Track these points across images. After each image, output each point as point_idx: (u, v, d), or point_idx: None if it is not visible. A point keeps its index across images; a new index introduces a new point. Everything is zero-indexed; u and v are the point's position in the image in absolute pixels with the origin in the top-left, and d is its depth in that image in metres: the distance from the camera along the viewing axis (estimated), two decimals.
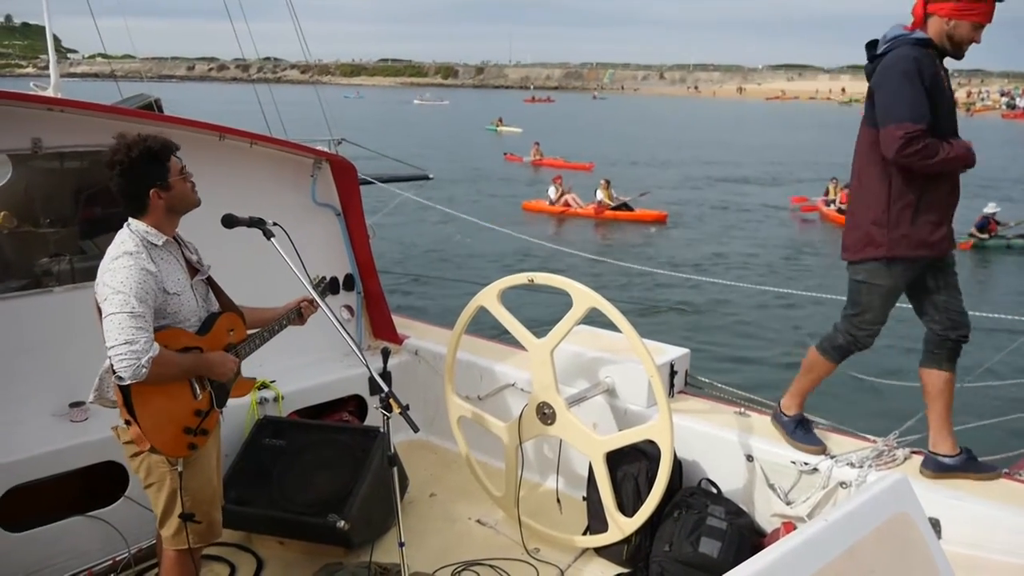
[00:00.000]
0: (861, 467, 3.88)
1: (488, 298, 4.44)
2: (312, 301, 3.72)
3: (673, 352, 4.83)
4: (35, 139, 4.18)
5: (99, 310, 3.10)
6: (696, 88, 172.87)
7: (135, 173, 3.14)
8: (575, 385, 4.74)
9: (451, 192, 26.15)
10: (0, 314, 4.26)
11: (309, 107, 12.54)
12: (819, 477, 3.96)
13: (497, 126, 57.33)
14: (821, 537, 2.03)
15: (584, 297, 4.04)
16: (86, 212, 4.84)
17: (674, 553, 3.96)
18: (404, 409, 3.06)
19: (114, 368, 2.98)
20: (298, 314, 3.76)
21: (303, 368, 5.13)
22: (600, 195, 23.31)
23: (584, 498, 4.49)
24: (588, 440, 4.22)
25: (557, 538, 4.44)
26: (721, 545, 3.90)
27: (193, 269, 3.38)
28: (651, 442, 4.11)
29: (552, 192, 24.22)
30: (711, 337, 12.75)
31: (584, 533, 4.46)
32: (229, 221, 3.39)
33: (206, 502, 3.38)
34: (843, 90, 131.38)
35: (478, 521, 4.76)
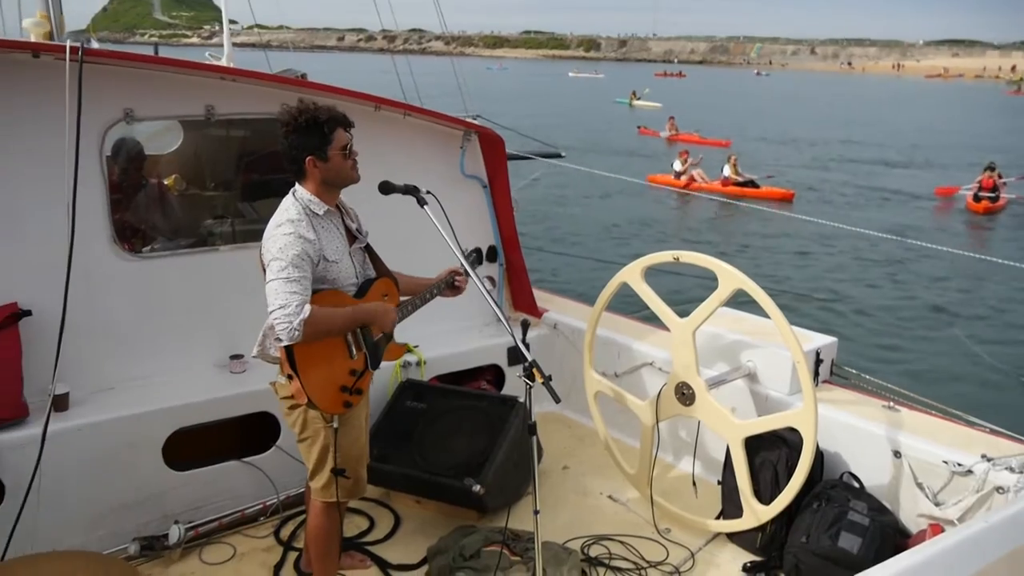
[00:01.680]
0: (1022, 473, 3.67)
1: (631, 275, 4.42)
2: (464, 273, 3.80)
3: (820, 340, 4.69)
4: (208, 106, 4.42)
5: (264, 272, 3.27)
6: (849, 64, 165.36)
7: (296, 138, 3.28)
8: (715, 367, 4.68)
9: (586, 164, 25.97)
10: (172, 269, 4.56)
11: (451, 78, 12.68)
12: (973, 480, 3.77)
13: (631, 100, 56.47)
14: (981, 538, 1.96)
15: (731, 278, 3.98)
16: (246, 177, 5.10)
17: (811, 545, 3.87)
18: (547, 379, 3.09)
19: (275, 330, 3.14)
20: (450, 285, 3.85)
21: (445, 335, 5.26)
22: (727, 171, 22.70)
23: (719, 482, 4.44)
24: (727, 424, 4.17)
25: (689, 520, 4.42)
26: (862, 541, 3.78)
27: (352, 236, 3.51)
28: (793, 430, 4.02)
29: (677, 166, 23.76)
30: (857, 327, 12.26)
31: (717, 517, 4.41)
32: (386, 188, 3.49)
33: (354, 459, 3.53)
34: (1013, 68, 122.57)
35: (609, 497, 4.79)
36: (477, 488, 4.22)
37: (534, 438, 3.34)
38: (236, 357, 4.68)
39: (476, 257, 4.04)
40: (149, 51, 4.62)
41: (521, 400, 4.64)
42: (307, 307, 3.13)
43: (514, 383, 5.51)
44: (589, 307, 5.94)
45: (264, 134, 4.89)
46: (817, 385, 4.59)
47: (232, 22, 6.95)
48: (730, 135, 35.16)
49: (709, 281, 4.13)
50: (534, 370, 3.13)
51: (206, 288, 4.63)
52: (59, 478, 3.93)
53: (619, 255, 16.03)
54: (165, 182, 5.01)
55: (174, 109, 4.43)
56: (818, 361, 4.58)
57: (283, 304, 3.09)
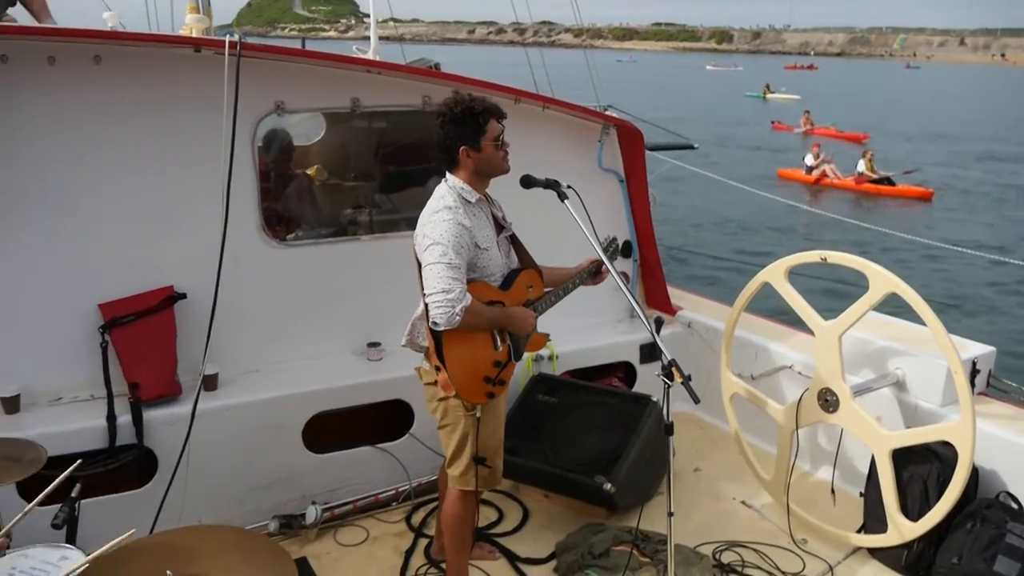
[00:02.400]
0: None
1: (774, 274, 4.28)
2: (612, 258, 3.79)
3: (977, 349, 4.41)
4: (354, 99, 4.52)
5: (417, 260, 3.31)
6: (1003, 56, 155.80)
7: (451, 128, 3.33)
8: (860, 374, 4.48)
9: (715, 161, 25.39)
10: (315, 257, 4.69)
11: (580, 70, 12.56)
12: None
13: (764, 93, 54.78)
14: None
15: (884, 281, 3.78)
16: (385, 168, 5.20)
17: (963, 567, 3.65)
18: (687, 379, 3.01)
19: (429, 314, 3.18)
20: (591, 273, 3.83)
21: (578, 330, 5.22)
22: (861, 167, 21.73)
23: (861, 494, 4.24)
24: (874, 434, 3.97)
25: (828, 532, 4.24)
26: (1021, 567, 3.54)
27: (499, 226, 3.53)
28: (946, 444, 3.80)
29: (809, 159, 22.91)
30: (1012, 337, 11.51)
31: (858, 531, 4.22)
32: (527, 181, 3.49)
33: (492, 449, 3.55)
34: None
35: (743, 502, 4.65)
36: (608, 486, 4.17)
37: (671, 439, 3.25)
38: (373, 345, 4.78)
39: (615, 249, 4.00)
40: (292, 45, 4.76)
41: (655, 399, 4.57)
42: (468, 296, 3.17)
43: (646, 381, 5.42)
44: (723, 305, 5.83)
45: (404, 126, 4.99)
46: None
47: (366, 15, 7.12)
48: (869, 130, 33.73)
49: (833, 283, 3.95)
50: (673, 369, 3.05)
51: (346, 277, 4.74)
52: (206, 455, 4.10)
53: (746, 252, 15.63)
54: (307, 172, 5.16)
55: (322, 101, 4.55)
56: (974, 371, 4.32)
57: (447, 289, 3.13)
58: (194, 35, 4.29)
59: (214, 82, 3.85)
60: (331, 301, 4.73)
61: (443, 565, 4.03)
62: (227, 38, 3.73)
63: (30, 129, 3.93)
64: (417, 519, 4.52)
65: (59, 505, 3.30)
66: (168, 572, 2.33)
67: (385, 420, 4.74)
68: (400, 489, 4.62)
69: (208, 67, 3.99)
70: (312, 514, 4.33)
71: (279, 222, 4.71)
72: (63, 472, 3.87)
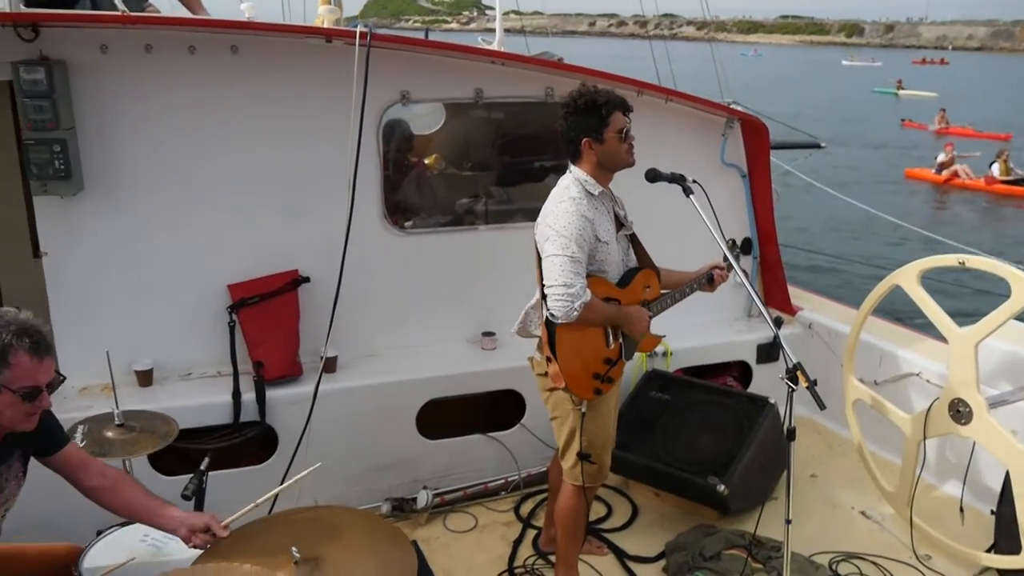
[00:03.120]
0: None
1: (906, 277, 4.09)
2: (723, 268, 3.70)
3: None
4: (478, 89, 4.55)
5: (537, 250, 3.31)
6: None
7: (575, 120, 3.32)
8: (995, 385, 4.24)
9: (839, 159, 24.49)
10: (433, 246, 4.76)
11: (703, 64, 12.31)
12: None
13: (897, 89, 52.37)
14: None
15: None
16: (502, 160, 5.22)
17: None
18: (812, 384, 2.91)
19: (547, 305, 3.18)
20: (709, 280, 3.74)
21: (693, 328, 5.12)
22: (996, 169, 20.51)
23: (993, 512, 4.02)
24: (1010, 449, 3.75)
25: (955, 549, 4.04)
26: None
27: (619, 223, 3.49)
28: None
29: (941, 157, 21.80)
30: None
31: (988, 550, 4.00)
32: (652, 175, 3.43)
33: (600, 446, 3.52)
34: None
35: (862, 513, 4.48)
36: (722, 488, 4.09)
37: (792, 444, 3.15)
38: (488, 334, 4.82)
39: (740, 248, 3.91)
40: (416, 36, 4.83)
41: (772, 401, 4.45)
42: (588, 291, 3.15)
43: (761, 382, 5.29)
44: (846, 307, 5.63)
45: (523, 117, 4.99)
46: None
47: (488, 8, 7.17)
48: (1010, 129, 31.92)
49: (956, 287, 3.73)
50: (798, 373, 2.95)
51: (463, 266, 4.79)
52: (325, 435, 4.22)
53: (868, 254, 15.04)
54: (426, 162, 5.23)
55: (445, 91, 4.60)
56: None
57: (567, 282, 3.12)
58: (326, 26, 4.40)
59: (342, 72, 3.94)
60: (448, 289, 4.79)
61: (551, 557, 4.03)
62: (358, 28, 3.80)
63: (170, 115, 4.12)
64: (525, 509, 4.53)
65: (189, 476, 3.45)
66: (293, 549, 2.39)
67: (497, 409, 4.77)
68: (509, 479, 4.64)
69: (338, 57, 4.08)
70: (423, 498, 4.40)
71: (397, 210, 4.80)
72: (192, 444, 4.08)
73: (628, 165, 3.39)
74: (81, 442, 3.16)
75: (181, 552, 2.89)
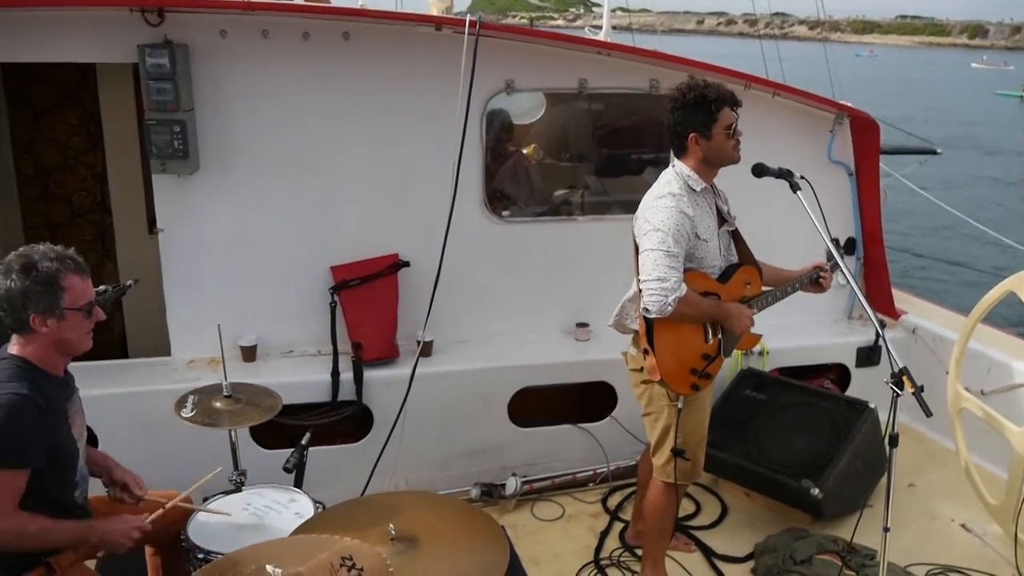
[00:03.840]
0: None
1: (1022, 284, 3.92)
2: (827, 269, 3.62)
3: None
4: (582, 80, 4.55)
5: (635, 243, 3.30)
6: None
7: (682, 114, 3.27)
8: None
9: (952, 164, 23.50)
10: (531, 235, 4.79)
11: (814, 64, 11.95)
12: None
13: (1022, 92, 49.80)
14: None
15: None
16: (600, 152, 5.20)
17: None
18: (919, 390, 2.82)
19: (642, 301, 3.17)
20: (813, 280, 3.66)
21: (792, 327, 5.02)
22: None
23: None
24: None
25: None
26: None
27: (721, 219, 3.44)
28: None
29: None
30: None
31: None
32: (759, 170, 3.37)
33: (694, 443, 3.49)
34: None
35: (962, 525, 4.34)
36: (816, 492, 4.01)
37: (894, 451, 3.06)
38: (582, 325, 4.82)
39: (842, 250, 3.81)
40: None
41: (872, 406, 4.34)
42: (684, 286, 3.13)
43: (860, 386, 5.15)
44: (951, 312, 5.44)
45: (624, 109, 4.96)
46: None
47: (596, 4, 7.15)
48: None
49: None
50: (904, 377, 2.86)
51: (560, 256, 4.81)
52: (418, 418, 4.29)
53: (977, 258, 14.46)
54: (524, 151, 5.25)
55: (550, 82, 4.61)
56: None
57: (662, 277, 3.10)
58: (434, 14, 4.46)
59: (450, 60, 4.00)
60: (544, 279, 4.81)
61: (637, 551, 4.02)
62: (467, 17, 3.84)
63: (282, 99, 4.25)
64: (613, 502, 4.53)
65: (288, 450, 3.56)
66: (390, 526, 2.46)
67: (586, 400, 4.78)
68: (598, 471, 4.64)
69: (446, 45, 4.14)
70: (512, 485, 4.44)
71: (495, 199, 4.83)
72: (290, 420, 4.20)
73: (734, 161, 3.33)
74: (191, 411, 3.30)
75: (281, 523, 3.00)
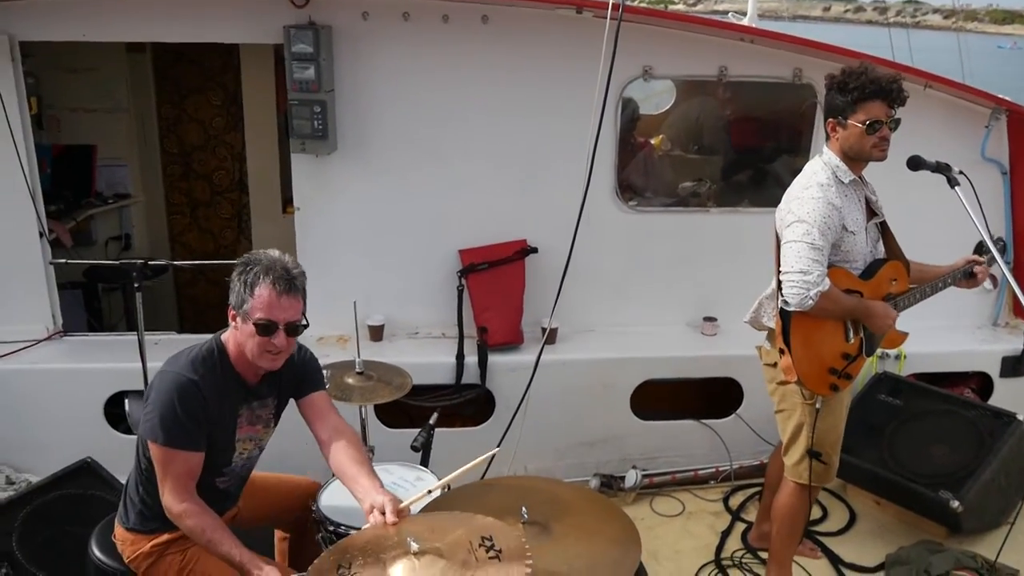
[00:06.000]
0: None
1: None
2: (984, 263, 3.41)
3: None
4: (722, 67, 4.42)
5: (777, 236, 3.19)
6: None
7: (828, 97, 3.17)
8: None
9: None
10: (661, 226, 4.71)
11: (949, 55, 11.33)
12: None
13: None
14: None
15: None
16: (732, 143, 5.03)
17: None
18: None
19: (782, 293, 3.06)
20: (968, 275, 3.46)
21: (932, 331, 4.76)
22: None
23: None
24: None
25: None
26: None
27: (871, 212, 3.29)
28: None
29: None
30: None
31: None
32: (915, 163, 3.20)
33: (830, 444, 3.36)
34: None
35: None
36: (956, 504, 3.81)
37: None
38: (709, 319, 4.72)
39: (1001, 247, 3.58)
40: None
41: (1021, 417, 4.09)
42: (827, 280, 3.01)
43: (1002, 397, 4.86)
44: None
45: (759, 99, 4.79)
46: None
47: None
48: None
49: None
50: None
51: (689, 248, 4.71)
52: (540, 405, 4.27)
53: None
54: (652, 142, 5.15)
55: (689, 68, 4.50)
56: None
57: (805, 270, 2.99)
58: None
59: (587, 44, 3.93)
60: (672, 271, 4.73)
61: (760, 553, 3.92)
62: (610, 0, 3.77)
63: (421, 81, 4.29)
64: (735, 502, 4.42)
65: (412, 430, 3.60)
66: (523, 508, 2.44)
67: (712, 396, 4.67)
68: (720, 468, 4.54)
69: (584, 29, 4.08)
70: (632, 478, 4.38)
71: (624, 188, 4.76)
72: (413, 400, 4.25)
73: (872, 159, 3.16)
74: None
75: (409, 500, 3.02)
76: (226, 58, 5.73)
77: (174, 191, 6.26)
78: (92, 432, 4.22)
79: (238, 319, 2.57)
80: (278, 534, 3.25)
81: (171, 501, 2.55)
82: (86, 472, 3.69)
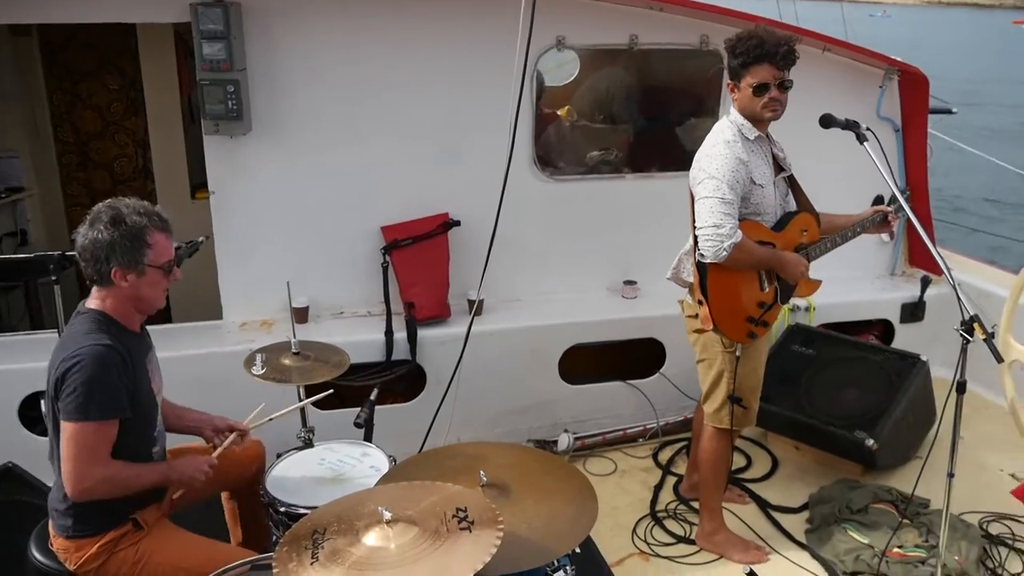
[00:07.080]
0: None
1: None
2: (893, 211, 3.62)
3: None
4: (632, 35, 4.52)
5: (691, 193, 3.31)
6: None
7: (727, 60, 3.33)
8: None
9: (970, 120, 23.22)
10: (579, 193, 4.79)
11: (828, 26, 11.75)
12: None
13: None
14: None
15: None
16: (640, 111, 5.13)
17: None
18: (989, 336, 2.84)
19: (698, 247, 3.19)
20: (880, 221, 3.65)
21: (836, 283, 4.99)
22: None
23: None
24: None
25: None
26: None
27: (778, 167, 3.45)
28: None
29: None
30: None
31: None
32: (827, 121, 3.36)
33: (748, 389, 3.53)
34: None
35: (1012, 475, 4.38)
36: (870, 443, 4.04)
37: (961, 397, 3.10)
38: (629, 283, 4.84)
39: (907, 197, 3.79)
40: None
41: (924, 358, 4.36)
42: (739, 232, 3.14)
43: (902, 342, 5.16)
44: (995, 269, 5.43)
45: (668, 67, 4.89)
46: None
47: None
48: None
49: None
50: (975, 324, 2.89)
51: (607, 214, 4.81)
52: (470, 376, 4.31)
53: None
54: (558, 112, 5.20)
55: (601, 38, 4.57)
56: None
57: (718, 223, 3.12)
58: None
59: (499, 15, 3.94)
60: (591, 237, 4.82)
61: (692, 503, 4.07)
62: None
63: (332, 57, 4.23)
64: (664, 457, 4.58)
65: (344, 410, 3.60)
66: (481, 472, 2.48)
67: (636, 357, 4.80)
68: (647, 426, 4.68)
69: (498, 1, 4.10)
70: (564, 441, 4.48)
71: (541, 158, 4.81)
72: (342, 381, 4.22)
73: (760, 119, 3.31)
74: (262, 369, 3.33)
75: (360, 475, 3.04)
76: (122, 39, 5.50)
77: (71, 182, 6.00)
78: (9, 437, 4.04)
79: (130, 276, 2.56)
80: (224, 494, 3.27)
81: (95, 472, 2.48)
82: (9, 477, 3.53)
